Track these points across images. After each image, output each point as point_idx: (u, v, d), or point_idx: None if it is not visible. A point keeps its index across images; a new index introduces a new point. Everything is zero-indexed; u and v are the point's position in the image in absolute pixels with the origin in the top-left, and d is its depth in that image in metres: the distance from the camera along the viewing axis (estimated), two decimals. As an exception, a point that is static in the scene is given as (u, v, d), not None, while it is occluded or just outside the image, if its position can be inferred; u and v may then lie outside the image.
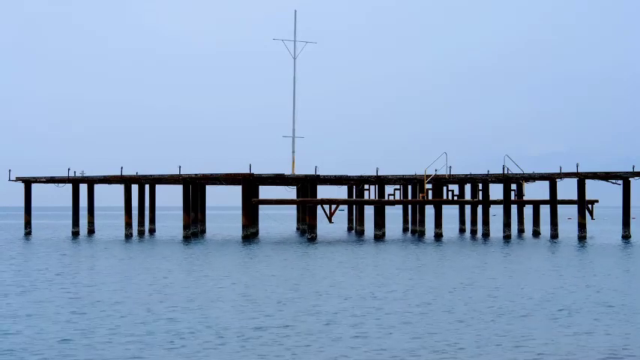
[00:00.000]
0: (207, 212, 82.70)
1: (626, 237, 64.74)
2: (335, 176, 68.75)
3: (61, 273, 36.42)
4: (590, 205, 70.23)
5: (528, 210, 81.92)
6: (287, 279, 33.15)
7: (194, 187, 71.24)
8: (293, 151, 75.56)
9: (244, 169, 64.66)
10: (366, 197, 76.32)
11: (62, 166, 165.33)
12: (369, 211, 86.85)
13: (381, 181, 70.53)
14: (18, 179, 73.25)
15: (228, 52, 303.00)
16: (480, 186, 70.42)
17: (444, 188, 69.71)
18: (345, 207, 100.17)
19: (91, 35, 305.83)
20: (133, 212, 72.03)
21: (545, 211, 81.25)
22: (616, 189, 64.34)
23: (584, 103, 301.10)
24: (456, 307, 24.53)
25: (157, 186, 79.38)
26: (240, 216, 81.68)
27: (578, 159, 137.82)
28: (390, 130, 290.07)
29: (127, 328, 20.71)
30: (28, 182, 73.52)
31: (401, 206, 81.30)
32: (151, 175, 70.21)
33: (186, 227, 68.12)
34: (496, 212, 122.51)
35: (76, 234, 74.28)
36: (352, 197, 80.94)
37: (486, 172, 67.87)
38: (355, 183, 74.95)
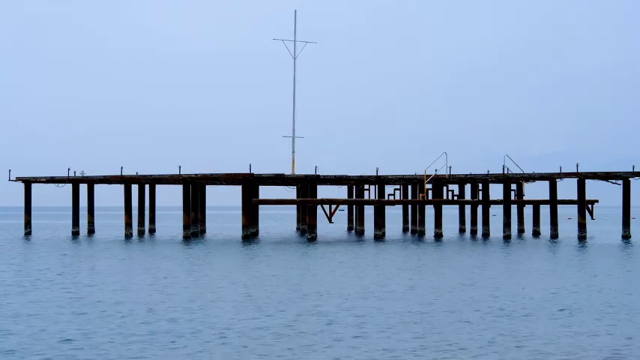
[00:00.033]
0: (207, 212, 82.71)
1: (626, 237, 64.74)
2: (335, 176, 68.75)
3: (62, 273, 36.41)
4: (590, 205, 70.24)
5: (528, 210, 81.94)
6: (287, 279, 33.16)
7: (194, 187, 71.24)
8: (293, 151, 75.59)
9: (244, 169, 64.72)
10: (366, 197, 76.33)
11: (62, 166, 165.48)
12: (369, 211, 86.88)
13: (381, 181, 70.54)
14: (18, 179, 73.25)
15: (228, 52, 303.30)
16: (480, 186, 70.43)
17: (444, 188, 69.72)
18: (345, 207, 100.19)
19: (91, 35, 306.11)
20: (133, 212, 72.03)
21: (545, 211, 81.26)
22: (616, 189, 64.42)
23: (584, 103, 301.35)
24: (457, 307, 24.53)
25: (157, 186, 79.40)
26: (240, 216, 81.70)
27: (578, 159, 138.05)
28: (390, 130, 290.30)
29: (128, 328, 20.71)
30: (28, 182, 73.52)
31: (401, 206, 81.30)
32: (151, 175, 70.21)
33: (186, 227, 68.13)
34: (496, 212, 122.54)
35: (76, 234, 74.28)
36: (352, 197, 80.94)
37: (486, 172, 67.88)
38: (355, 183, 74.95)
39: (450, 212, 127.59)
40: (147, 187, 78.39)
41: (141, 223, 74.06)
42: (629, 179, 62.84)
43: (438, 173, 67.22)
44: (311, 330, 20.35)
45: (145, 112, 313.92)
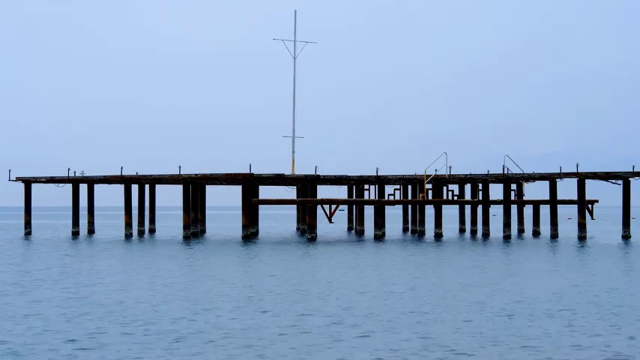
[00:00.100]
0: (207, 212, 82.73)
1: (626, 237, 64.75)
2: (335, 176, 68.76)
3: (62, 273, 36.42)
4: (590, 205, 70.25)
5: (528, 210, 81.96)
6: (287, 279, 33.16)
7: (194, 187, 71.25)
8: (293, 151, 75.60)
9: (244, 169, 64.73)
10: (366, 197, 76.33)
11: (62, 166, 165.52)
12: (369, 211, 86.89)
13: (381, 181, 70.55)
14: (18, 179, 73.26)
15: (228, 52, 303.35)
16: (480, 186, 70.44)
17: (444, 188, 69.74)
18: (345, 207, 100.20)
19: (91, 35, 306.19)
20: (133, 212, 72.04)
21: (545, 211, 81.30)
22: (616, 189, 64.44)
23: (584, 103, 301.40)
24: (457, 307, 24.53)
25: (157, 186, 79.42)
26: (240, 216, 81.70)
27: (578, 159, 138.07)
28: (390, 130, 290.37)
29: (129, 328, 20.71)
30: (28, 182, 73.53)
31: (401, 206, 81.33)
32: (151, 175, 70.22)
33: (186, 227, 68.13)
34: (496, 212, 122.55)
35: (76, 234, 74.28)
36: (352, 197, 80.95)
37: (486, 172, 67.88)
38: (355, 183, 74.96)
39: (450, 212, 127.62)
40: (147, 187, 78.41)
41: (141, 223, 74.07)
42: (629, 179, 62.85)
43: (438, 173, 67.24)
44: (312, 330, 20.36)
45: (145, 112, 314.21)
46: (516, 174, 66.97)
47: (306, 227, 65.71)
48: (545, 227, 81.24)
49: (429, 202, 67.45)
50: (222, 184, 73.84)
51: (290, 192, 79.52)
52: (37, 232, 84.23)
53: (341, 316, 22.57)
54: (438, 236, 67.82)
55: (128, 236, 70.07)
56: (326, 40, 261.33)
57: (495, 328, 20.64)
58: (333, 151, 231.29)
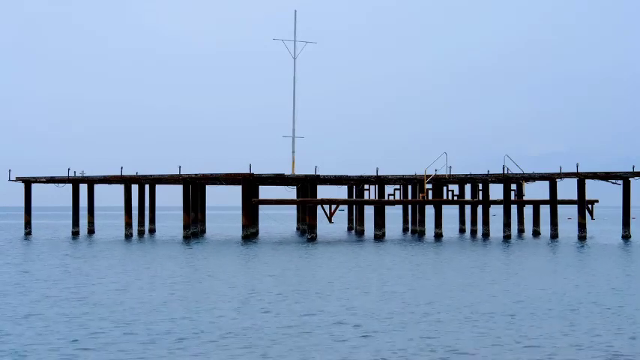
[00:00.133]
0: (207, 212, 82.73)
1: (626, 237, 64.76)
2: (335, 176, 68.77)
3: (62, 273, 36.42)
4: (590, 205, 70.26)
5: (528, 210, 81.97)
6: (288, 279, 33.17)
7: (194, 187, 71.25)
8: (293, 151, 75.61)
9: (244, 169, 64.74)
10: (366, 197, 76.34)
11: (62, 166, 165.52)
12: (369, 211, 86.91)
13: (381, 181, 70.56)
14: (18, 179, 73.26)
15: (228, 52, 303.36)
16: (480, 186, 70.44)
17: (444, 188, 69.75)
18: (345, 207, 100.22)
19: (91, 35, 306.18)
20: (133, 212, 72.05)
21: (545, 211, 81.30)
22: (616, 189, 64.45)
23: (584, 103, 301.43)
24: (458, 307, 24.54)
25: (157, 186, 79.42)
26: (240, 216, 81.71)
27: (578, 159, 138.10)
28: (390, 130, 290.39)
29: (129, 328, 20.72)
30: (28, 182, 73.53)
31: (401, 206, 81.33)
32: (151, 175, 70.22)
33: (186, 227, 68.14)
34: (496, 212, 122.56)
35: (76, 234, 74.28)
36: (352, 197, 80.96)
37: (486, 172, 67.89)
38: (355, 183, 74.97)
39: (450, 212, 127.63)
40: (147, 187, 78.41)
41: (141, 223, 74.08)
42: (629, 179, 62.86)
43: (438, 173, 67.25)
44: (313, 330, 20.36)
45: (145, 112, 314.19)
46: (516, 174, 66.98)
47: (306, 227, 65.71)
48: (545, 227, 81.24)
49: (429, 202, 67.46)
50: (222, 184, 73.85)
51: (290, 192, 79.60)
52: (37, 232, 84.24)
53: (342, 316, 22.57)
54: (438, 236, 67.83)
55: (128, 236, 70.08)
56: (326, 40, 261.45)
57: (496, 328, 20.64)
58: (333, 151, 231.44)
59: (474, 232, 73.06)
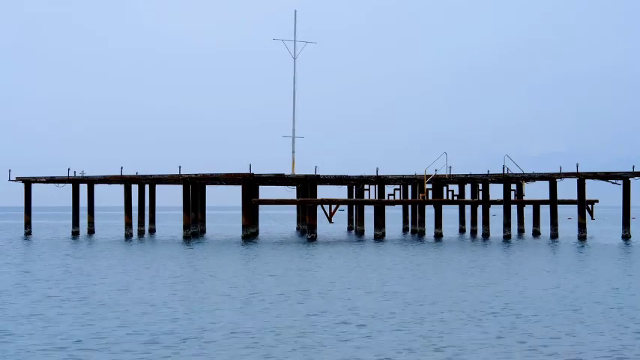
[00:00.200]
0: (207, 212, 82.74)
1: (626, 237, 64.77)
2: (335, 176, 68.77)
3: (63, 273, 36.41)
4: (590, 205, 70.27)
5: (528, 210, 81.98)
6: (289, 279, 33.16)
7: (194, 187, 71.25)
8: (293, 151, 75.62)
9: (244, 169, 64.74)
10: (366, 197, 76.35)
11: (62, 166, 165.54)
12: (369, 211, 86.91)
13: (381, 181, 70.56)
14: (18, 179, 73.25)
15: (228, 52, 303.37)
16: (480, 186, 70.45)
17: (444, 188, 69.75)
18: (345, 207, 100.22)
19: (91, 35, 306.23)
20: (133, 212, 72.04)
21: (545, 211, 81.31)
22: (616, 189, 64.46)
23: (584, 103, 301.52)
24: (458, 307, 24.54)
25: (157, 186, 79.42)
26: (240, 216, 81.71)
27: (578, 159, 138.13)
28: (390, 130, 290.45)
29: (130, 328, 20.70)
30: (28, 182, 73.52)
31: (401, 206, 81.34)
32: (151, 175, 70.21)
33: (186, 227, 68.14)
34: (496, 212, 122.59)
35: (76, 234, 74.27)
36: (352, 197, 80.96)
37: (486, 172, 67.90)
38: (355, 183, 74.97)
39: (450, 212, 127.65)
40: (147, 187, 78.40)
41: (141, 223, 74.07)
42: (629, 179, 62.87)
43: (438, 173, 67.26)
44: (316, 330, 20.36)
45: (145, 112, 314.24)
46: (516, 174, 66.99)
47: (306, 227, 65.71)
48: (545, 227, 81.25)
49: (429, 202, 67.46)
50: (222, 184, 73.85)
51: (290, 192, 79.60)
52: (37, 232, 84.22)
53: (345, 316, 22.57)
54: (438, 236, 67.84)
55: (128, 236, 70.07)
56: (326, 40, 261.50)
57: (497, 328, 20.64)
58: (333, 151, 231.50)
59: (474, 232, 73.06)
